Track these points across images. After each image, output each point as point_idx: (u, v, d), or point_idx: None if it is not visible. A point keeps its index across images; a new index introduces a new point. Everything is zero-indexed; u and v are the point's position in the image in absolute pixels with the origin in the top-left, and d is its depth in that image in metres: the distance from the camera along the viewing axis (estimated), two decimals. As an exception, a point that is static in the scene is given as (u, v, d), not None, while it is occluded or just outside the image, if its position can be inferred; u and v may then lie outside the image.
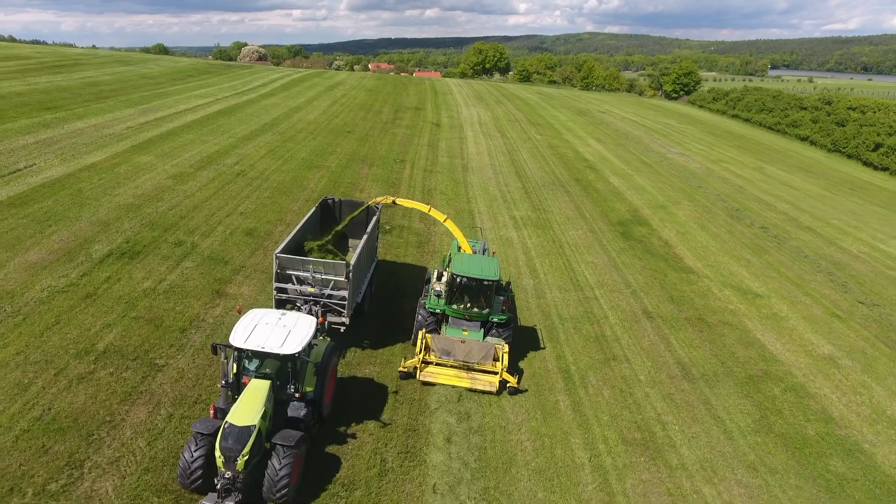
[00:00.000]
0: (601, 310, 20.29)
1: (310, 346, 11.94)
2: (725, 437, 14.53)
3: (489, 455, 12.93)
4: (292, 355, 11.21)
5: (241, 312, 12.35)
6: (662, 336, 19.01)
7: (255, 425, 10.24)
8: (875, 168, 58.06)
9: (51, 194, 22.68)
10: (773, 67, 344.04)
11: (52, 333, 14.62)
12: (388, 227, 25.41)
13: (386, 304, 18.60)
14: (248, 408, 10.54)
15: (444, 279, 16.50)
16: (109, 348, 14.40)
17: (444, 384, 14.81)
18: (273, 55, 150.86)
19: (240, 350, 11.18)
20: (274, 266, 14.58)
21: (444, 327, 16.07)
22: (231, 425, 10.21)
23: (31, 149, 27.52)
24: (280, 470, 10.23)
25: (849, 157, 61.73)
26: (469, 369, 14.99)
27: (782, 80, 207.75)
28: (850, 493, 13.26)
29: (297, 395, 11.44)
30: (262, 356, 11.42)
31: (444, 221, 18.57)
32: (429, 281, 17.67)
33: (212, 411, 11.27)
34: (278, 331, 11.44)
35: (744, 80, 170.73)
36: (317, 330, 12.39)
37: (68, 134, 31.02)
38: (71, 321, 15.19)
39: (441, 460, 12.56)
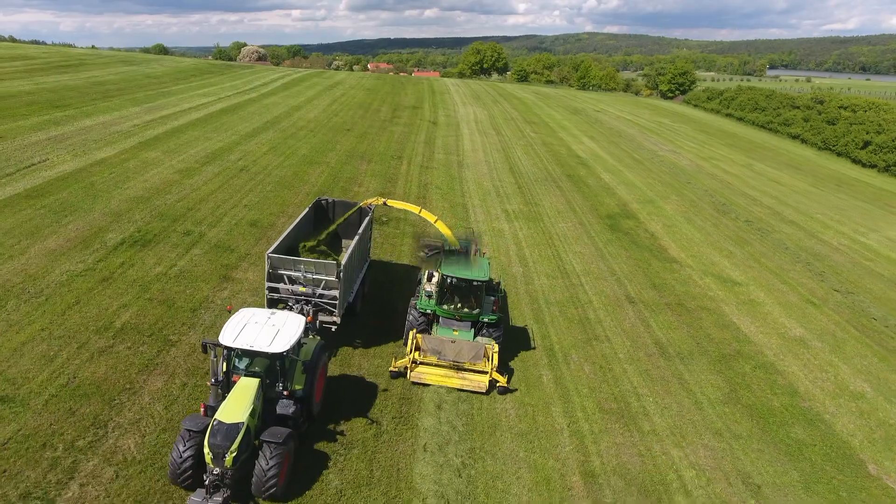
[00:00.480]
0: (586, 295, 21.49)
1: (299, 344, 12.12)
2: (695, 408, 15.73)
3: (476, 420, 14.13)
4: (281, 354, 11.39)
5: (231, 311, 12.67)
6: (643, 319, 20.20)
7: (243, 422, 10.49)
8: (864, 165, 59.28)
9: (65, 187, 23.88)
10: (772, 67, 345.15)
11: (73, 312, 15.80)
12: (384, 219, 26.59)
13: (379, 304, 19.05)
14: (237, 405, 10.78)
15: (435, 280, 16.85)
16: (126, 325, 15.59)
17: (434, 384, 15.06)
18: (272, 55, 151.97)
19: (229, 349, 11.40)
20: (266, 266, 14.94)
21: (434, 327, 16.39)
22: (220, 422, 10.43)
23: (43, 145, 28.73)
24: (268, 467, 10.45)
25: (838, 154, 62.97)
26: (459, 369, 15.24)
27: (780, 80, 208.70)
28: (807, 456, 14.45)
29: (285, 392, 11.59)
30: (251, 355, 11.63)
31: (435, 222, 18.42)
32: (420, 281, 18.01)
33: (202, 409, 11.48)
34: (267, 330, 11.62)
35: (741, 80, 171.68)
36: (306, 329, 12.59)
37: (78, 131, 32.23)
38: (90, 301, 16.39)
39: (432, 424, 13.76)
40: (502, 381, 15.12)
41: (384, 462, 12.45)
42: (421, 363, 15.24)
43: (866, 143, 60.28)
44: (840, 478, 13.81)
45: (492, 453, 13.12)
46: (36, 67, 53.59)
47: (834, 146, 64.05)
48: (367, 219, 18.54)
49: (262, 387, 11.44)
